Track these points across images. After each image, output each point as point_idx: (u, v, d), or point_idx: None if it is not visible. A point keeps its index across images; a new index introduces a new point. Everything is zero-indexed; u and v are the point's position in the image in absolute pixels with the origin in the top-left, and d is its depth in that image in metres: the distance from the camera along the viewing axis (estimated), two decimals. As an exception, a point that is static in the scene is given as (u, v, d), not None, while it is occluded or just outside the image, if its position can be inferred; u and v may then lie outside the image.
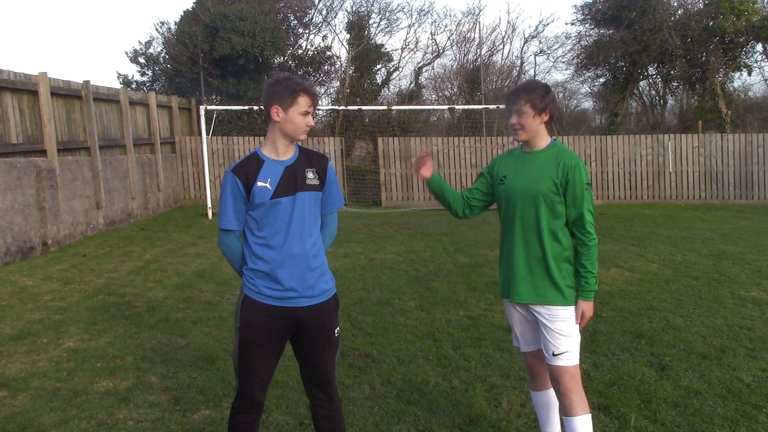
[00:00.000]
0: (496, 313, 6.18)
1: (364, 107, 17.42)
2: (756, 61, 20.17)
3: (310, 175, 2.97)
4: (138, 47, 19.63)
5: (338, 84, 20.60)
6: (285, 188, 2.91)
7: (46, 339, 5.61)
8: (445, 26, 34.41)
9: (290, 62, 19.63)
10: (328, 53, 20.21)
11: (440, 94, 22.65)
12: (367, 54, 20.28)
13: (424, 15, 28.60)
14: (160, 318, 6.18)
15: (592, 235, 3.17)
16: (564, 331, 3.17)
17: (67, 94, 10.96)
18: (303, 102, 2.89)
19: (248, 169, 2.91)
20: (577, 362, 3.20)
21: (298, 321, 2.96)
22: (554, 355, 3.17)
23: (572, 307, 3.21)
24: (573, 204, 3.16)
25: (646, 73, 21.32)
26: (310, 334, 2.99)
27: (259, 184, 2.88)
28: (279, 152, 2.95)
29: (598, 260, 3.21)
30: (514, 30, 31.65)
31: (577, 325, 3.21)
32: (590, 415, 3.20)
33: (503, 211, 3.33)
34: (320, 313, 3.00)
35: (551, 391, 3.37)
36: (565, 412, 3.19)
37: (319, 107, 19.80)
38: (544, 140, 3.24)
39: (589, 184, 3.21)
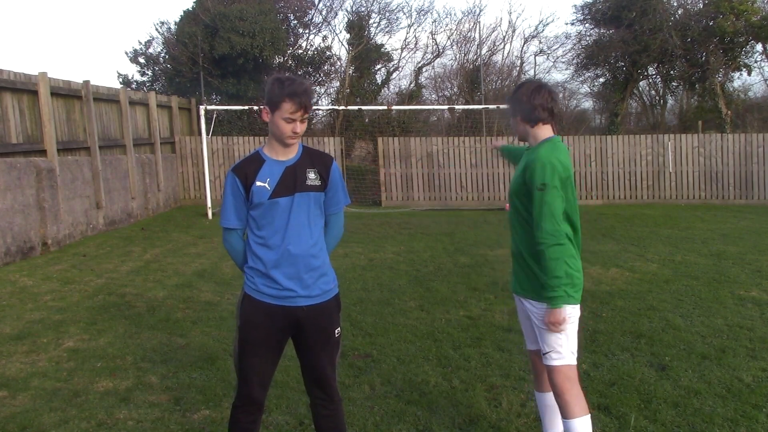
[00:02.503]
0: (496, 313, 6.18)
1: (364, 107, 17.42)
2: (756, 61, 20.20)
3: (311, 175, 2.95)
4: (138, 47, 19.65)
5: (338, 84, 20.60)
6: (284, 188, 2.90)
7: (46, 339, 5.61)
8: (446, 26, 34.43)
9: (290, 62, 19.62)
10: (328, 53, 20.21)
11: (440, 94, 22.66)
12: (367, 54, 20.28)
13: (424, 14, 28.58)
14: (160, 318, 6.18)
15: (542, 237, 3.00)
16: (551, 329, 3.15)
17: (67, 94, 10.96)
18: (286, 108, 2.82)
19: (248, 168, 2.91)
20: (570, 362, 3.16)
21: (297, 321, 2.96)
22: (543, 353, 3.19)
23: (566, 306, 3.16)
24: (530, 202, 3.07)
25: (646, 73, 21.32)
26: (310, 334, 2.99)
27: (258, 183, 2.89)
28: (278, 152, 2.95)
29: (559, 266, 3.00)
30: (514, 30, 31.64)
31: (571, 324, 3.15)
32: (589, 416, 3.19)
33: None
34: (320, 314, 2.99)
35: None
36: (563, 413, 3.19)
37: (319, 107, 19.95)
38: (538, 138, 3.25)
39: (545, 185, 3.01)
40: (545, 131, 3.22)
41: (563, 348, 3.15)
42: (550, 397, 3.42)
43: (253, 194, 2.89)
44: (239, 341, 2.98)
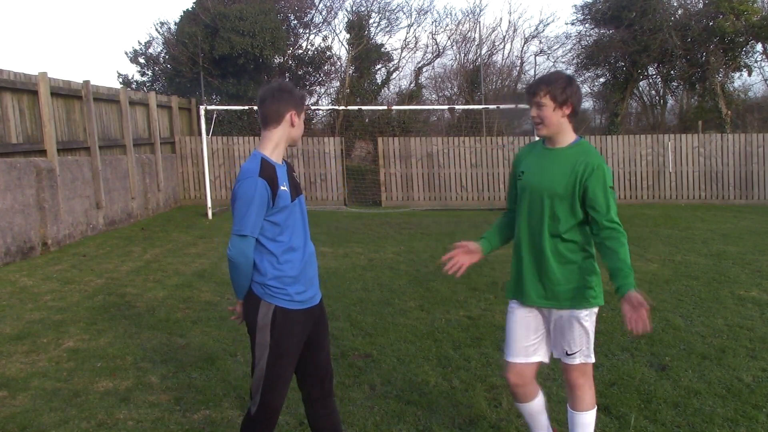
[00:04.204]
0: (496, 313, 6.18)
1: (364, 107, 17.41)
2: (756, 61, 20.15)
3: (295, 177, 3.11)
4: (138, 47, 19.64)
5: (338, 84, 20.60)
6: (294, 190, 2.99)
7: (46, 339, 5.61)
8: (446, 26, 34.39)
9: (290, 62, 19.63)
10: (328, 53, 20.21)
11: (440, 94, 22.64)
12: (367, 54, 20.27)
13: (424, 14, 28.60)
14: (160, 318, 6.18)
15: (619, 227, 3.05)
16: (585, 330, 3.19)
17: (67, 94, 10.96)
18: (304, 109, 3.06)
19: (270, 173, 2.88)
20: (592, 360, 3.23)
21: (316, 320, 3.04)
22: (569, 354, 3.18)
23: (592, 309, 3.19)
24: (594, 206, 3.01)
25: (646, 73, 21.30)
26: (320, 327, 3.08)
27: (282, 187, 2.90)
28: (279, 157, 3.00)
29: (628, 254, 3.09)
30: (515, 30, 31.62)
31: (593, 324, 3.18)
32: (596, 408, 3.29)
33: (519, 207, 3.24)
34: (323, 307, 3.13)
35: (537, 400, 3.39)
36: (575, 406, 3.24)
37: (319, 107, 19.96)
38: (568, 137, 3.10)
39: (612, 187, 3.04)
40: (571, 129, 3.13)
41: (590, 347, 3.20)
42: (534, 405, 3.39)
43: (279, 198, 2.87)
44: (271, 357, 2.89)
